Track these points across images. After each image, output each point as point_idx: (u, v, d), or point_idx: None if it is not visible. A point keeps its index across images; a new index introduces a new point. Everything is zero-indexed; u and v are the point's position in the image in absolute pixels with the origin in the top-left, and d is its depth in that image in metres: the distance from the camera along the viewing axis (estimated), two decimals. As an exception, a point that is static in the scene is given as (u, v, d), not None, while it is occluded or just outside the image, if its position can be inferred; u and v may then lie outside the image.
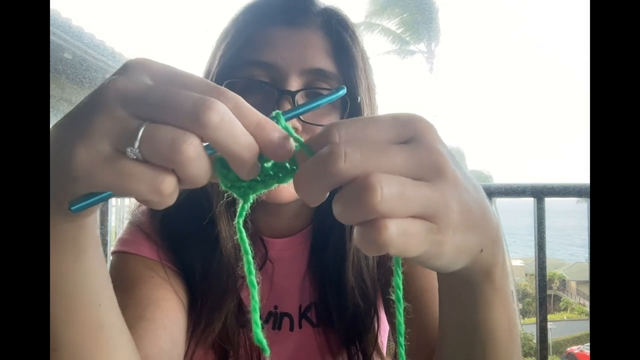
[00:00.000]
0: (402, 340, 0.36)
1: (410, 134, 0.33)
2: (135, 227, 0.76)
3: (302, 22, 0.70)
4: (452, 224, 0.33)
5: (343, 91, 0.40)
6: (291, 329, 0.78)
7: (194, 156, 0.31)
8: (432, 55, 22.65)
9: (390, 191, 0.30)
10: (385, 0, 21.51)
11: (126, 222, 0.79)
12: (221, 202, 0.69)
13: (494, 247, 0.39)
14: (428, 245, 0.32)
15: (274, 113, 0.36)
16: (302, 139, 0.35)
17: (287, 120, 0.36)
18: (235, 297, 0.73)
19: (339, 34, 0.71)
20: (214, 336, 0.71)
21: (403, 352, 0.36)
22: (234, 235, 0.71)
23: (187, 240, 0.73)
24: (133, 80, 0.33)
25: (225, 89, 0.34)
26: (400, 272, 0.35)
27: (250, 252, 0.36)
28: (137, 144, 0.31)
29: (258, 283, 0.35)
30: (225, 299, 0.71)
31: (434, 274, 0.51)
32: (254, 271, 0.35)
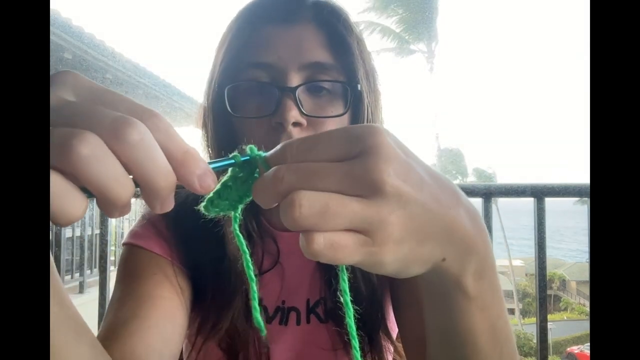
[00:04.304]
0: (356, 343, 0.38)
1: (359, 150, 0.34)
2: (147, 221, 0.77)
3: (295, 18, 0.71)
4: (392, 237, 0.33)
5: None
6: (298, 323, 0.78)
7: (88, 154, 0.29)
8: (432, 55, 22.66)
9: (311, 209, 0.32)
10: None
11: (139, 216, 0.81)
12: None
13: (464, 257, 0.38)
14: (362, 256, 0.33)
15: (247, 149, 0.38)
16: (263, 154, 0.38)
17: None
18: (243, 296, 0.73)
19: (332, 25, 0.72)
20: (222, 334, 0.72)
21: (358, 356, 0.38)
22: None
23: (197, 239, 0.73)
24: (53, 93, 0.33)
25: (158, 112, 0.33)
26: (345, 278, 0.37)
27: (248, 252, 0.38)
28: None
29: (257, 281, 0.36)
30: (233, 298, 0.72)
31: None
32: (252, 267, 0.38)
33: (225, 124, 0.73)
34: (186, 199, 0.77)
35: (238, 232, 0.39)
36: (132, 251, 0.73)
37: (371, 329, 0.75)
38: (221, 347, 0.74)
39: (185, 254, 0.74)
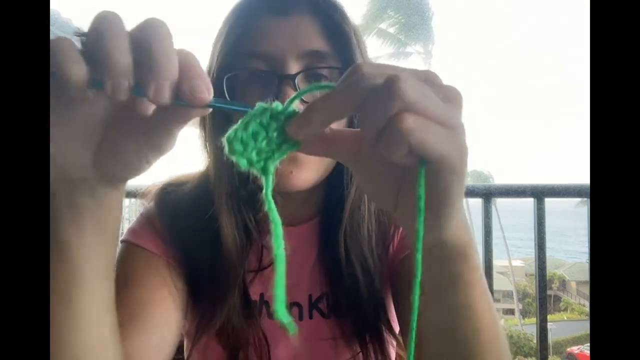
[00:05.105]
0: (418, 274, 0.34)
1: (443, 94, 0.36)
2: (145, 219, 0.77)
3: (291, 9, 0.72)
4: (465, 150, 0.35)
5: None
6: (300, 318, 0.78)
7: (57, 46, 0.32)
8: (429, 56, 22.66)
9: (415, 86, 0.32)
10: (382, 2, 21.54)
11: (138, 214, 0.81)
12: (225, 196, 0.70)
13: (466, 228, 0.42)
14: (448, 148, 0.34)
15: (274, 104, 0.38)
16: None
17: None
18: (239, 292, 0.73)
19: (328, 15, 0.72)
20: (219, 330, 0.72)
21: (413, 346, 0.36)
22: (235, 230, 0.73)
23: (193, 235, 0.74)
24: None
25: None
26: (423, 183, 0.33)
27: (279, 222, 0.37)
28: None
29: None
30: (227, 293, 0.72)
31: None
32: (282, 243, 0.37)
33: (223, 115, 0.73)
34: (182, 198, 0.77)
35: (270, 197, 0.37)
36: (129, 250, 0.73)
37: (372, 319, 0.75)
38: (221, 343, 0.74)
39: (181, 251, 0.74)
